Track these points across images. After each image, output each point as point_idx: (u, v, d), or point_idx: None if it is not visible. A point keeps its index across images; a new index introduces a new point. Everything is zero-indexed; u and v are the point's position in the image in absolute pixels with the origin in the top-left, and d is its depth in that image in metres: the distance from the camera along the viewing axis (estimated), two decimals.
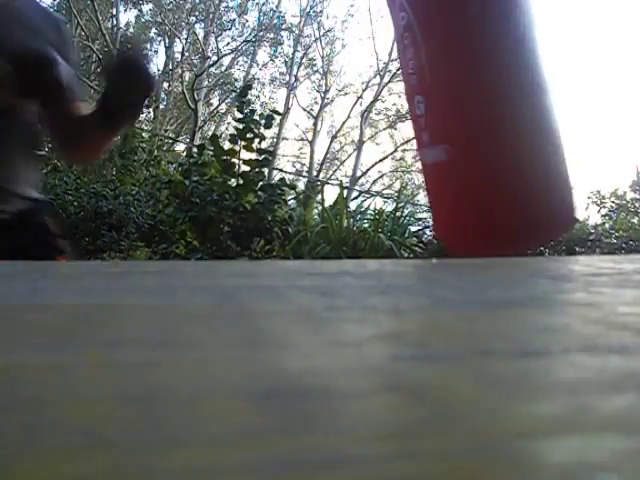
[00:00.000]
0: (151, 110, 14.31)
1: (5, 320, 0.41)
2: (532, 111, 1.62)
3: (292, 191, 6.01)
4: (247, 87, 5.45)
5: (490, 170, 1.58)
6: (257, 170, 4.80)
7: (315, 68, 16.76)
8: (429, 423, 0.22)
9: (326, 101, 16.68)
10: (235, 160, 4.82)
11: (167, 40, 15.86)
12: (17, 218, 1.41)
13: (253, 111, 4.89)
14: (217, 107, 16.08)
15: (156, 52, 16.09)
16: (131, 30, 14.83)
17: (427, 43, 1.57)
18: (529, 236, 1.66)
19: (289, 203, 5.91)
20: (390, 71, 16.19)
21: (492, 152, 1.59)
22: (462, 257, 1.63)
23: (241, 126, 4.81)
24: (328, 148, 16.51)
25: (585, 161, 19.04)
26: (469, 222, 1.62)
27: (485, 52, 1.62)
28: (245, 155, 4.87)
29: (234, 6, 15.57)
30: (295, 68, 16.34)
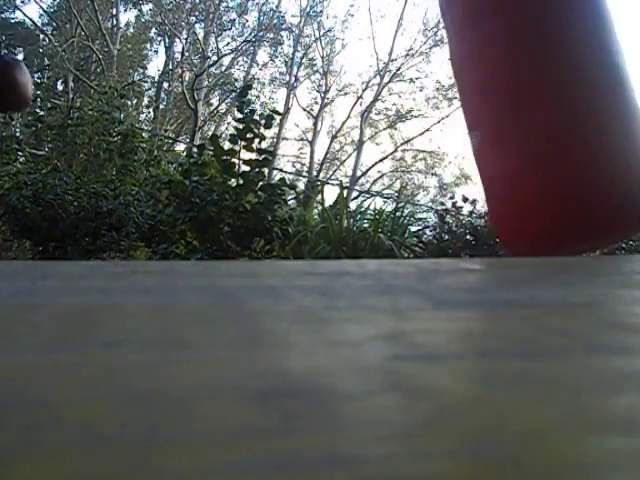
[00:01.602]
0: (151, 110, 14.31)
1: (5, 320, 0.41)
2: (617, 109, 1.61)
3: (292, 191, 6.01)
4: (247, 87, 5.45)
5: (573, 165, 1.57)
6: (257, 170, 4.80)
7: (315, 68, 16.76)
8: (429, 423, 0.22)
9: (326, 101, 16.68)
10: (235, 160, 4.82)
11: (167, 40, 15.85)
12: None
13: (253, 111, 4.88)
14: (217, 107, 16.07)
15: (156, 52, 16.11)
16: (131, 30, 14.83)
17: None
18: (601, 234, 1.64)
19: (289, 203, 5.90)
20: (390, 71, 16.19)
21: (576, 147, 1.57)
22: (524, 254, 1.62)
23: (241, 126, 4.81)
24: (328, 148, 16.51)
25: None
26: (543, 219, 1.60)
27: (570, 51, 1.62)
28: (245, 155, 4.86)
29: (234, 6, 15.56)
30: (295, 68, 16.33)
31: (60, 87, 11.73)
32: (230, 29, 15.93)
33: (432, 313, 0.44)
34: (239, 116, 5.06)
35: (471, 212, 6.39)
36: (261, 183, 5.04)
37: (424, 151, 16.10)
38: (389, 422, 0.22)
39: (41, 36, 12.46)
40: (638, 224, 1.73)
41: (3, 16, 12.12)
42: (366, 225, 6.21)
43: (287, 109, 16.36)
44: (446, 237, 6.05)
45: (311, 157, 16.83)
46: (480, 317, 0.42)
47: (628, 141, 1.63)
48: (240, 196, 4.81)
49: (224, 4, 15.11)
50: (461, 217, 6.28)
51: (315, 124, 17.11)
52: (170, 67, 15.02)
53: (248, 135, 4.95)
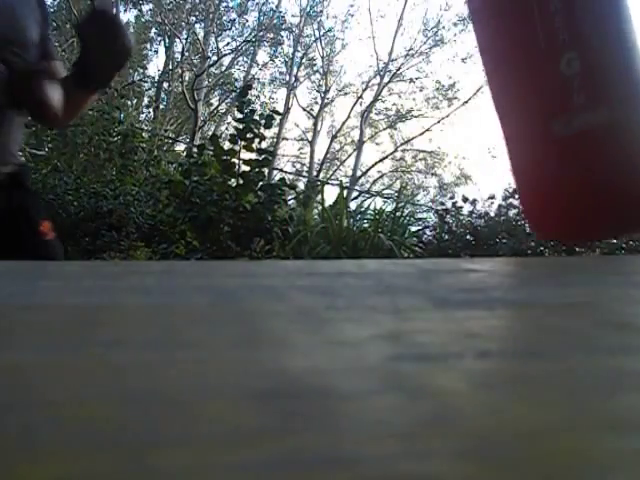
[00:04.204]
0: (151, 110, 14.31)
1: (5, 320, 0.41)
2: None
3: (292, 191, 6.01)
4: (247, 87, 5.45)
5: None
6: (257, 170, 4.80)
7: (315, 68, 16.76)
8: (429, 423, 0.22)
9: (326, 101, 16.68)
10: (235, 160, 4.82)
11: (167, 40, 15.85)
12: (9, 180, 1.42)
13: (253, 111, 4.89)
14: (217, 107, 16.07)
15: (156, 52, 16.09)
16: (131, 30, 14.83)
17: None
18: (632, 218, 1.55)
19: (289, 203, 5.91)
20: (390, 71, 16.18)
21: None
22: (555, 239, 1.54)
23: (241, 126, 4.81)
24: (328, 148, 16.51)
25: None
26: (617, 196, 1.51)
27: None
28: (245, 155, 4.87)
29: (234, 6, 15.56)
30: (295, 68, 16.33)
31: None
32: (230, 29, 15.93)
33: (432, 313, 0.44)
34: (239, 116, 5.06)
35: (471, 212, 6.39)
36: (261, 183, 5.04)
37: (424, 151, 16.10)
38: (389, 422, 0.22)
39: None
40: None
41: None
42: (366, 225, 6.21)
43: (287, 109, 16.35)
44: (446, 237, 6.06)
45: (311, 157, 16.82)
46: (480, 317, 0.42)
47: None
48: (240, 196, 4.81)
49: (224, 4, 15.11)
50: (461, 217, 6.28)
51: (315, 124, 17.09)
52: (170, 67, 15.02)
53: (248, 135, 4.95)
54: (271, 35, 16.12)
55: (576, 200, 1.55)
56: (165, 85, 15.05)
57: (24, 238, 1.40)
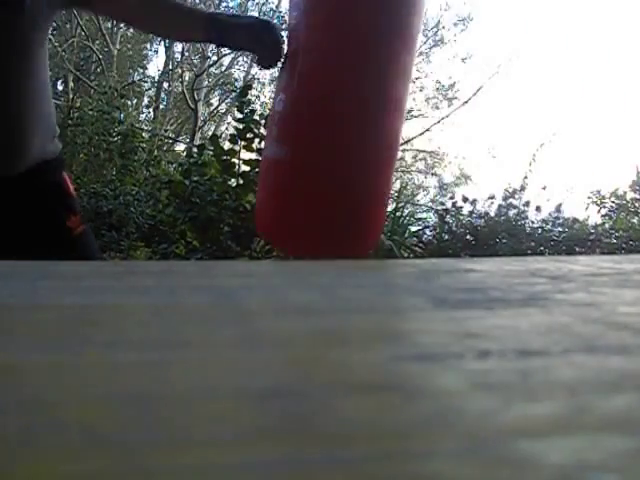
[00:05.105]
0: (151, 110, 14.31)
1: (5, 320, 0.41)
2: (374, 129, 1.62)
3: None
4: (247, 87, 5.45)
5: (325, 173, 1.60)
6: (257, 170, 4.80)
7: None
8: (429, 423, 0.22)
9: None
10: (235, 160, 4.82)
11: (167, 40, 15.86)
12: (29, 178, 1.31)
13: (253, 111, 4.88)
14: (217, 107, 16.07)
15: (156, 52, 16.10)
16: (131, 30, 14.84)
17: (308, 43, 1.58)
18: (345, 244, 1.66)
19: None
20: None
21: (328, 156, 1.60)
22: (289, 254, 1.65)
23: (241, 126, 4.81)
24: None
25: (585, 161, 19.03)
26: (304, 220, 1.62)
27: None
28: (245, 155, 4.87)
29: (234, 6, 15.57)
30: None
31: (60, 87, 11.73)
32: None
33: (432, 313, 0.44)
34: (239, 116, 5.05)
35: (471, 212, 6.39)
36: None
37: (424, 151, 16.07)
38: (389, 422, 0.22)
39: None
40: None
41: None
42: None
43: None
44: (446, 237, 6.05)
45: None
46: (480, 317, 0.42)
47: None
48: (240, 196, 4.80)
49: (224, 4, 15.08)
50: (461, 217, 6.27)
51: None
52: (170, 67, 15.00)
53: (248, 135, 4.95)
54: None
55: (275, 217, 1.66)
56: (165, 85, 15.05)
57: (49, 234, 1.33)
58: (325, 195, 1.58)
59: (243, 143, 4.89)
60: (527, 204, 6.34)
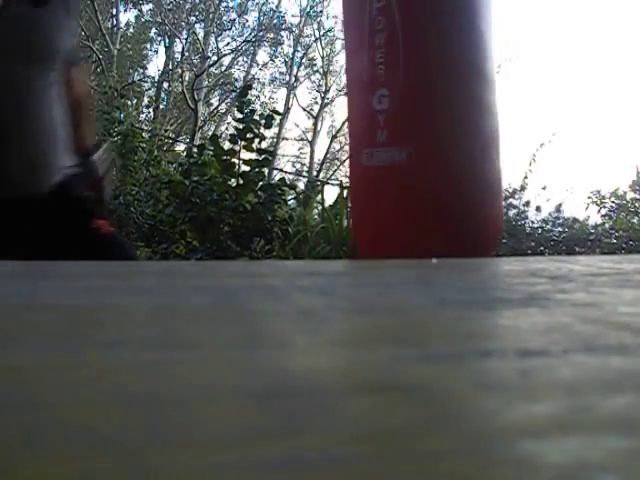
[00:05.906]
0: (151, 110, 14.30)
1: (5, 320, 0.41)
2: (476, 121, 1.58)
3: (292, 191, 6.00)
4: (247, 87, 5.44)
5: (447, 172, 1.55)
6: (257, 170, 4.80)
7: (315, 68, 16.75)
8: (428, 423, 0.22)
9: (326, 101, 16.67)
10: (235, 160, 4.81)
11: (167, 40, 15.85)
12: (52, 194, 1.37)
13: (253, 111, 4.88)
14: (217, 107, 16.07)
15: (156, 52, 16.11)
16: (131, 30, 14.82)
17: (404, 27, 1.51)
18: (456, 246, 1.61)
19: (289, 203, 5.90)
20: None
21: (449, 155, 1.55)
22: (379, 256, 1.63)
23: (241, 126, 4.81)
24: (328, 148, 16.50)
25: (585, 161, 19.04)
26: (416, 224, 1.57)
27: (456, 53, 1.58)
28: (245, 155, 4.86)
29: (234, 6, 15.56)
30: (295, 68, 16.33)
31: None
32: (230, 29, 15.91)
33: (432, 313, 0.44)
34: (239, 116, 5.05)
35: None
36: (261, 183, 5.03)
37: None
38: (389, 422, 0.22)
39: None
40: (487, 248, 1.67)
41: None
42: None
43: (287, 109, 16.33)
44: None
45: (311, 157, 16.80)
46: (480, 317, 0.42)
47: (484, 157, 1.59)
48: (240, 196, 4.80)
49: (224, 4, 15.09)
50: None
51: (315, 124, 17.07)
52: (170, 67, 15.00)
53: (248, 135, 4.95)
54: (271, 35, 16.11)
55: (380, 225, 1.59)
56: (165, 85, 15.05)
57: (76, 238, 1.37)
58: (449, 193, 1.51)
59: (243, 143, 4.89)
60: (527, 204, 6.34)
